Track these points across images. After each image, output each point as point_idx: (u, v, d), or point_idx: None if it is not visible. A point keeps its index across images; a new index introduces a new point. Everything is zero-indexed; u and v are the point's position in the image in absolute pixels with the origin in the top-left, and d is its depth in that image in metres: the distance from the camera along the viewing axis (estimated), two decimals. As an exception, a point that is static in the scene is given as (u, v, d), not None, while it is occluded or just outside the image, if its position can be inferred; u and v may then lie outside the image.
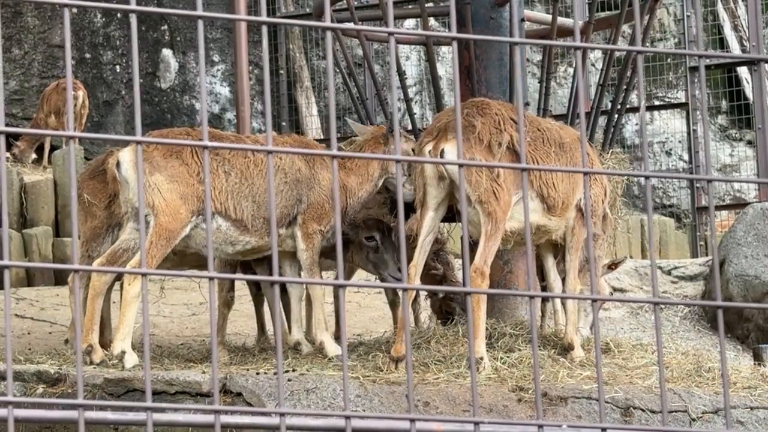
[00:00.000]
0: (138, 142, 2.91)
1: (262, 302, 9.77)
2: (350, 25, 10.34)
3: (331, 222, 8.84)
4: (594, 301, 3.08)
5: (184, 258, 9.17)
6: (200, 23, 2.89)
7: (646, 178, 2.98)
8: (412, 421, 2.89)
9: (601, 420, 2.92)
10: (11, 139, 18.54)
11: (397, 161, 2.96)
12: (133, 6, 2.88)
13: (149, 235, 8.36)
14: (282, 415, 2.83)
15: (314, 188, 8.84)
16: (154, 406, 2.81)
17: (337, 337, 9.22)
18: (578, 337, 8.50)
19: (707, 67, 18.76)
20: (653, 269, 2.94)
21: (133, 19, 2.87)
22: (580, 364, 8.18)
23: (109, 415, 2.96)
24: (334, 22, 9.90)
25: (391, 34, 3.00)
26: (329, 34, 2.91)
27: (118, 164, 8.55)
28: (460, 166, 2.96)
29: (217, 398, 2.85)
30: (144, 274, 2.85)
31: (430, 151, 8.08)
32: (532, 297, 2.84)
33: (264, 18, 2.92)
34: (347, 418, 2.85)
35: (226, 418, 2.96)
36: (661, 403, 2.59)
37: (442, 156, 7.96)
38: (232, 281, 9.31)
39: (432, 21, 16.40)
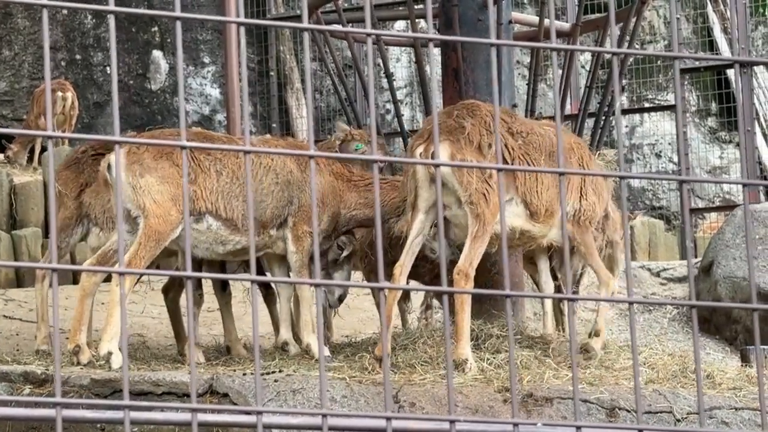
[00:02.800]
0: (117, 143, 2.93)
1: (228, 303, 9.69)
2: (337, 27, 10.36)
3: (322, 224, 8.88)
4: (571, 301, 3.11)
5: None
6: (178, 24, 2.91)
7: (621, 178, 3.00)
8: (389, 419, 2.91)
9: (576, 419, 2.93)
10: (5, 140, 18.54)
11: (375, 161, 2.98)
12: (111, 7, 2.90)
13: (138, 236, 8.37)
14: (259, 413, 2.84)
15: (305, 190, 8.85)
16: (132, 404, 2.82)
17: (326, 338, 9.23)
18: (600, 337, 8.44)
19: (697, 69, 18.80)
20: (628, 268, 2.97)
21: (112, 20, 2.89)
22: (568, 365, 8.19)
23: (87, 414, 2.97)
24: (321, 24, 9.92)
25: (369, 35, 3.02)
26: (306, 35, 2.93)
27: (108, 167, 8.57)
28: (437, 166, 2.98)
29: (194, 396, 2.87)
30: (122, 273, 2.87)
31: (421, 154, 8.11)
32: (507, 296, 2.87)
33: (243, 19, 2.94)
34: (324, 416, 2.87)
35: (204, 417, 2.98)
36: (635, 401, 2.61)
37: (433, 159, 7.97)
38: (199, 280, 9.26)
39: (422, 23, 16.42)
